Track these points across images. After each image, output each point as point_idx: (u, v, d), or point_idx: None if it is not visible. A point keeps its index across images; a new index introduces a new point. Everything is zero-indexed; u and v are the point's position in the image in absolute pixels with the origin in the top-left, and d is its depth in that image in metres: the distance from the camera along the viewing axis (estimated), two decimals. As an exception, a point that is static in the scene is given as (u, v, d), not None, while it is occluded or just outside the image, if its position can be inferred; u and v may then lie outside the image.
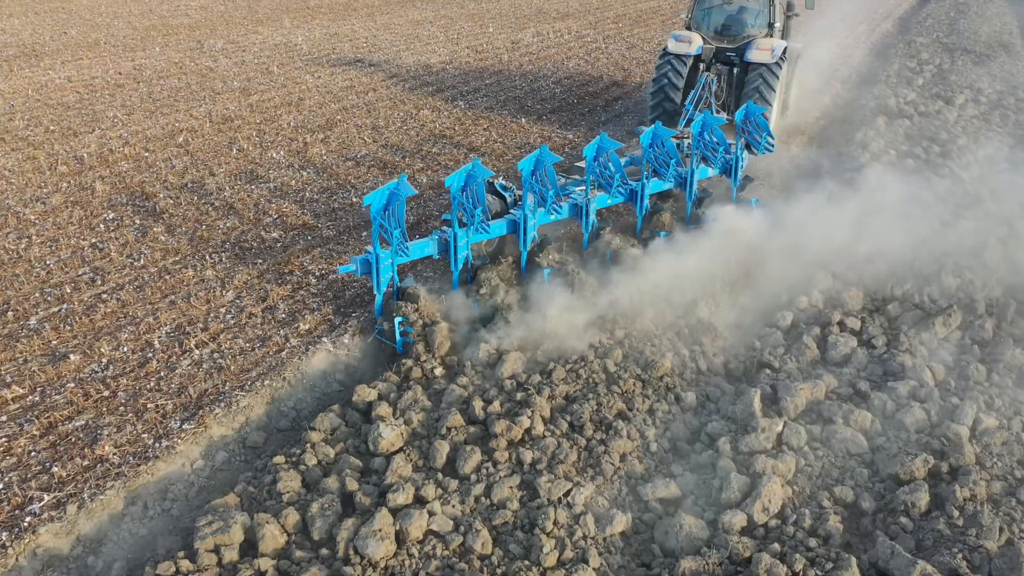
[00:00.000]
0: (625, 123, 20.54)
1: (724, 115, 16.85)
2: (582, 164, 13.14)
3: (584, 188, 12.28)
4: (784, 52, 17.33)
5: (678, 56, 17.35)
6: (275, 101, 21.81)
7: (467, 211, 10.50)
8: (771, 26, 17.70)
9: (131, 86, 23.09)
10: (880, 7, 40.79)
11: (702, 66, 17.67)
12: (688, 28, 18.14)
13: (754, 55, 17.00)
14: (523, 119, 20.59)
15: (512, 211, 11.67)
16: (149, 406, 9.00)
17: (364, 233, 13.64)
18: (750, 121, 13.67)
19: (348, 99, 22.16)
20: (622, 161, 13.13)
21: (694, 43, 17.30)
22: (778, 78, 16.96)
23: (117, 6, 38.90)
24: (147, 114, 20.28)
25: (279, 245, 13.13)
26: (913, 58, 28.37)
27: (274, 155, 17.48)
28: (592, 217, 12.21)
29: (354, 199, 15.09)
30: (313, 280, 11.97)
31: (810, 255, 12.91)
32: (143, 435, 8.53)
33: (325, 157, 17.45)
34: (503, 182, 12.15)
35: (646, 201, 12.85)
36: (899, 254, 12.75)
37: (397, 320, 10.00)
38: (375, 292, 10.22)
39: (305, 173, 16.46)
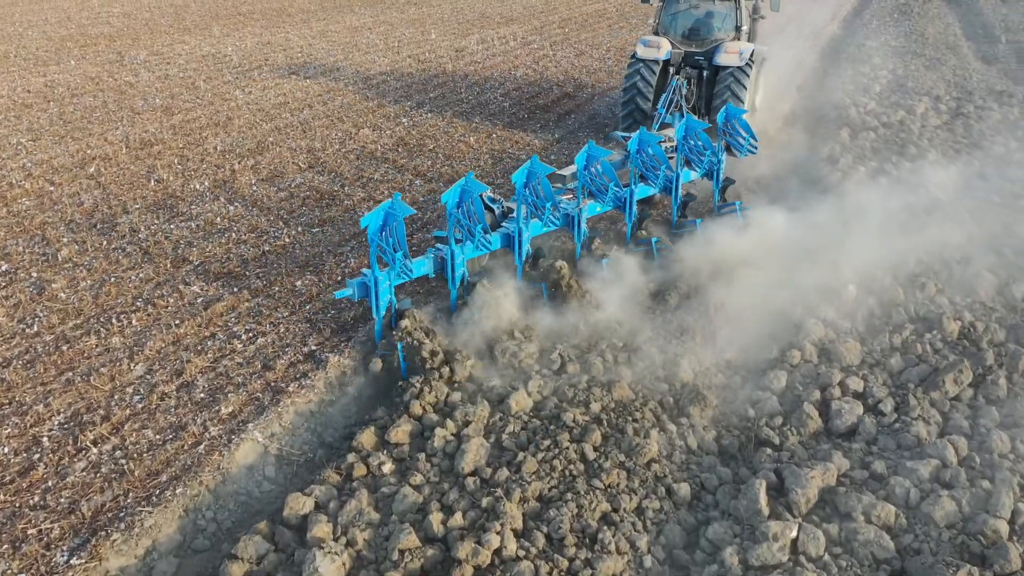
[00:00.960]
0: (580, 139, 19.13)
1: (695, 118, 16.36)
2: (563, 172, 12.71)
3: (572, 197, 12.01)
4: (752, 55, 17.14)
5: (648, 61, 17.19)
6: (201, 121, 19.86)
7: (463, 227, 10.18)
8: (738, 29, 17.56)
9: (40, 106, 20.88)
10: (823, 10, 40.16)
11: (672, 70, 17.50)
12: (656, 33, 17.98)
13: (723, 58, 16.90)
14: (471, 138, 19.02)
15: (504, 224, 11.28)
16: (30, 532, 7.25)
17: (299, 282, 11.96)
18: (731, 123, 13.66)
19: (281, 117, 20.32)
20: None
21: (663, 48, 17.18)
22: (747, 81, 16.81)
23: (32, 14, 36.18)
24: (56, 139, 18.18)
25: (200, 300, 11.36)
26: (865, 63, 27.53)
27: (197, 186, 15.63)
28: (584, 227, 11.80)
29: (286, 239, 13.37)
30: (239, 345, 10.27)
31: (795, 293, 11.72)
32: (19, 576, 6.80)
33: (255, 187, 15.65)
34: (491, 195, 11.48)
35: (634, 208, 12.50)
36: (889, 292, 11.59)
37: (399, 345, 9.57)
38: (374, 315, 9.79)
39: (232, 207, 14.66)
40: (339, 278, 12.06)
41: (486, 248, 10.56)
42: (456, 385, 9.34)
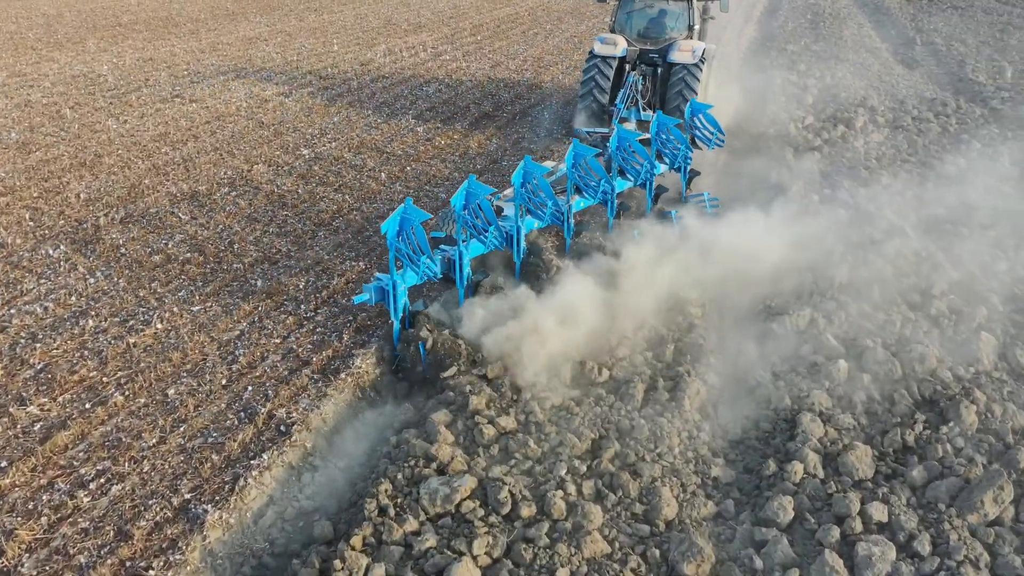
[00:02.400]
0: (506, 167, 16.93)
1: (650, 113, 17.21)
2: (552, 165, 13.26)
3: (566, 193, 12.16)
4: (703, 53, 17.79)
5: (604, 58, 17.75)
6: (63, 161, 16.78)
7: (475, 228, 10.41)
8: (691, 28, 18.29)
9: None
10: (735, 12, 38.99)
11: (627, 67, 18.17)
12: (612, 31, 18.64)
13: (676, 56, 17.54)
14: (382, 174, 16.55)
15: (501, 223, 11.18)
16: None
17: (171, 390, 9.37)
18: (697, 118, 14.20)
19: (160, 153, 17.39)
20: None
21: (619, 45, 17.78)
22: (699, 78, 17.43)
23: None
24: None
25: (37, 429, 8.66)
26: (791, 69, 26.18)
27: (51, 250, 12.74)
28: (572, 222, 12.07)
29: (158, 326, 10.69)
30: (84, 499, 7.66)
31: (777, 372, 9.83)
32: None
33: (123, 248, 12.87)
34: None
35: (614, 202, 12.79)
36: (885, 365, 9.78)
37: (421, 344, 9.73)
38: (392, 319, 9.90)
39: (93, 279, 11.88)
40: (226, 382, 9.53)
41: (429, 274, 10.17)
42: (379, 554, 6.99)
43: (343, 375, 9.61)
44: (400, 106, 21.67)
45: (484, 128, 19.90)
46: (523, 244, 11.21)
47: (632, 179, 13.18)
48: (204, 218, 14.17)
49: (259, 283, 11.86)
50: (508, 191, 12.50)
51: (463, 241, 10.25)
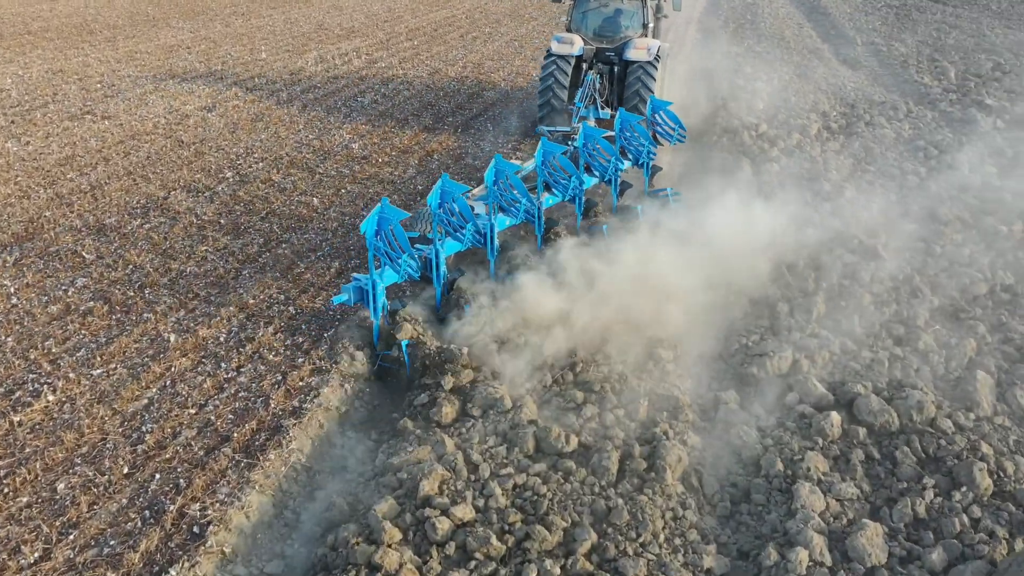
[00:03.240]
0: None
1: (609, 111, 17.27)
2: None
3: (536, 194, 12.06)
4: (659, 50, 17.76)
5: (561, 57, 17.64)
6: (-48, 192, 14.86)
7: (452, 226, 10.39)
8: (645, 26, 18.31)
9: None
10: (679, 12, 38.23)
11: (584, 65, 18.24)
12: (568, 30, 18.57)
13: (632, 54, 17.57)
14: (315, 199, 15.04)
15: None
16: None
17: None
18: (659, 115, 14.35)
19: (65, 180, 15.55)
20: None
21: (575, 44, 17.71)
22: (656, 75, 17.42)
23: None
24: None
25: None
26: (738, 72, 25.36)
27: (-72, 305, 10.96)
28: (541, 220, 12.02)
29: (49, 396, 9.06)
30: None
31: (762, 426, 8.73)
32: None
33: (14, 299, 11.13)
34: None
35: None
36: (880, 415, 8.75)
37: (404, 343, 9.59)
38: (372, 319, 9.79)
39: (-24, 339, 10.16)
40: (128, 470, 7.98)
41: (411, 273, 10.06)
42: None
43: (271, 453, 8.17)
44: (334, 120, 20.11)
45: (425, 143, 18.49)
46: (496, 243, 11.14)
47: (598, 176, 13.29)
48: (112, 257, 12.49)
49: (172, 337, 10.29)
50: (477, 190, 12.54)
51: (439, 240, 10.20)
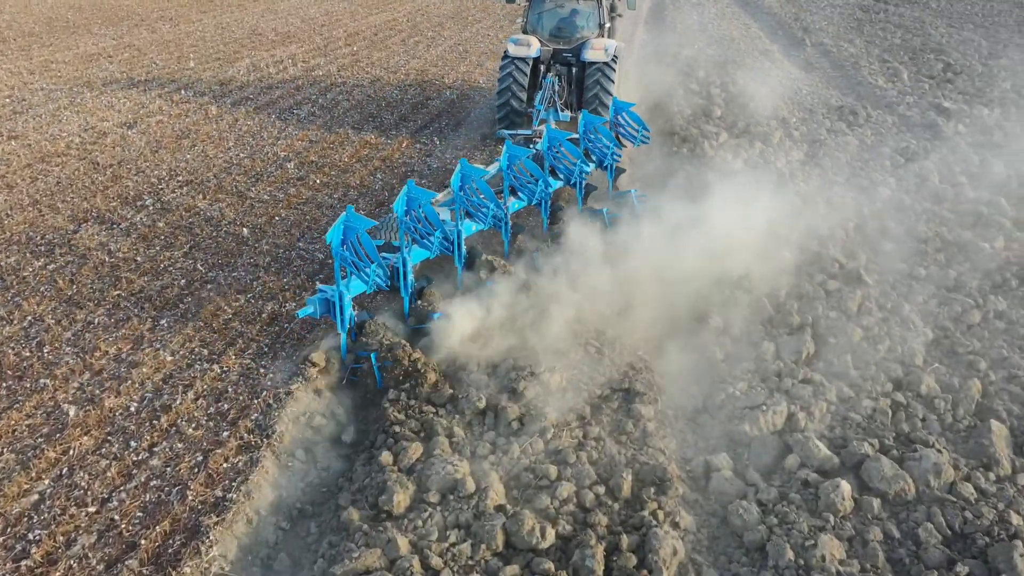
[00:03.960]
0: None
1: (568, 113, 17.12)
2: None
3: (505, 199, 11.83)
4: (616, 50, 17.42)
5: (519, 59, 17.21)
6: None
7: (419, 233, 9.96)
8: (601, 27, 17.93)
9: None
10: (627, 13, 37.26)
11: (543, 67, 17.86)
12: (524, 32, 18.18)
13: (590, 54, 17.17)
14: (244, 229, 13.47)
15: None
16: None
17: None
18: (621, 116, 14.07)
19: (-41, 214, 13.72)
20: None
21: (533, 46, 17.28)
22: (614, 76, 17.15)
23: None
24: None
25: None
26: (690, 76, 24.37)
27: None
28: (508, 225, 11.75)
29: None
30: None
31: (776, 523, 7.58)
32: None
33: None
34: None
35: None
36: (893, 483, 7.67)
37: (373, 356, 9.07)
38: (339, 331, 9.20)
39: None
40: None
41: (380, 283, 9.55)
42: None
43: (186, 565, 6.70)
44: (267, 135, 18.48)
45: (367, 160, 17.01)
46: (464, 250, 10.74)
47: (563, 179, 12.95)
48: (8, 307, 10.79)
49: (72, 410, 8.71)
50: (441, 195, 12.06)
51: (405, 247, 9.85)
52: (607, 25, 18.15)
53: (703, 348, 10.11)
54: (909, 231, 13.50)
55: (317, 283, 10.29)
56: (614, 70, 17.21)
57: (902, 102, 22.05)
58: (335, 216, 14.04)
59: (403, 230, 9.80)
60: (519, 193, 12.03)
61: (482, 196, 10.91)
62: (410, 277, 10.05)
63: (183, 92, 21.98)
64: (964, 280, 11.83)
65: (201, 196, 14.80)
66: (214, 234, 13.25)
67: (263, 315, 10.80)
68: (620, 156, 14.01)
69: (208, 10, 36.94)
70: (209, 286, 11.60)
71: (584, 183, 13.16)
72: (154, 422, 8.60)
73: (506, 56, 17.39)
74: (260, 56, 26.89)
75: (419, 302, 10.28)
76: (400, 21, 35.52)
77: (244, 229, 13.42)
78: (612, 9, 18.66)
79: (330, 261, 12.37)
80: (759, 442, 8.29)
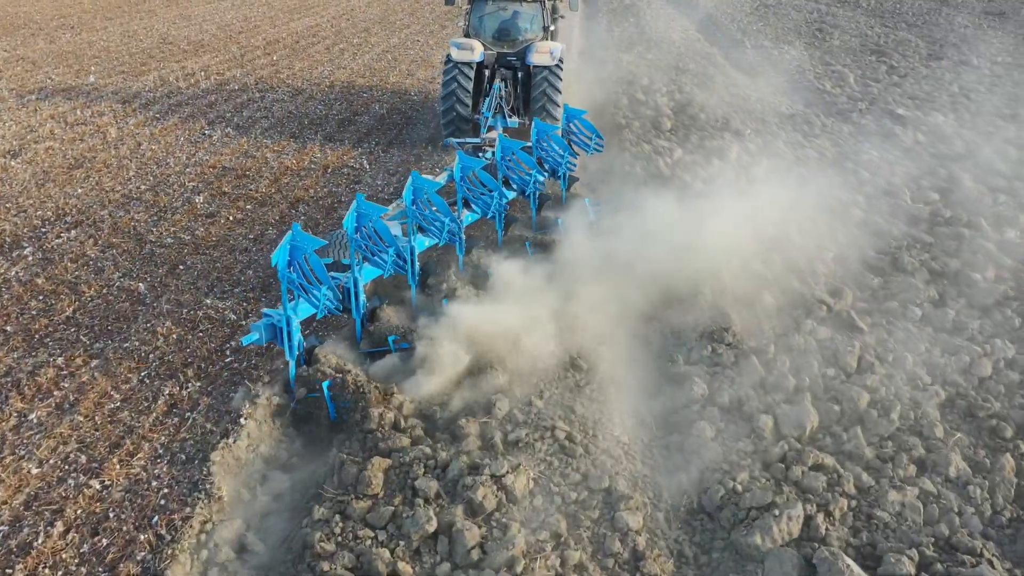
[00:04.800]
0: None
1: (516, 119, 16.60)
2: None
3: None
4: (561, 53, 16.79)
5: (463, 63, 16.38)
6: None
7: (371, 251, 9.30)
8: (545, 29, 17.29)
9: None
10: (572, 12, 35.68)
11: (487, 72, 17.19)
12: (467, 35, 17.37)
13: (535, 58, 16.51)
14: (141, 284, 11.33)
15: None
16: None
17: None
18: (574, 123, 13.58)
19: None
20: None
21: (476, 50, 16.56)
22: (561, 79, 16.53)
23: None
24: None
25: None
26: (634, 84, 22.87)
27: None
28: (463, 240, 10.97)
29: None
30: None
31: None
32: None
33: None
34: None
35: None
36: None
37: (325, 385, 8.27)
38: (287, 359, 8.37)
39: None
40: None
41: (331, 307, 8.73)
42: None
43: None
44: (173, 162, 16.23)
45: (288, 189, 14.97)
46: (417, 266, 10.15)
47: (516, 190, 12.43)
48: None
49: None
50: (391, 208, 11.42)
51: (356, 266, 9.18)
52: (552, 28, 17.38)
53: (688, 422, 8.51)
54: (893, 261, 12.20)
55: (262, 309, 9.12)
56: (560, 74, 16.52)
57: (854, 109, 21.00)
58: (249, 262, 12.07)
59: (353, 248, 9.13)
60: (472, 206, 11.30)
61: (436, 210, 10.19)
62: (362, 298, 9.31)
63: (80, 112, 19.47)
64: (964, 321, 10.53)
65: (92, 241, 12.57)
66: (104, 291, 11.10)
67: (159, 401, 8.78)
68: (575, 165, 13.44)
69: (114, 16, 34.00)
70: (95, 363, 9.49)
71: (539, 193, 12.63)
72: (20, 560, 6.55)
73: (449, 60, 16.45)
74: (169, 68, 24.38)
75: (372, 325, 9.69)
76: (324, 27, 33.23)
77: (140, 284, 11.28)
78: (553, 11, 17.72)
79: (245, 322, 10.41)
80: (774, 559, 6.70)
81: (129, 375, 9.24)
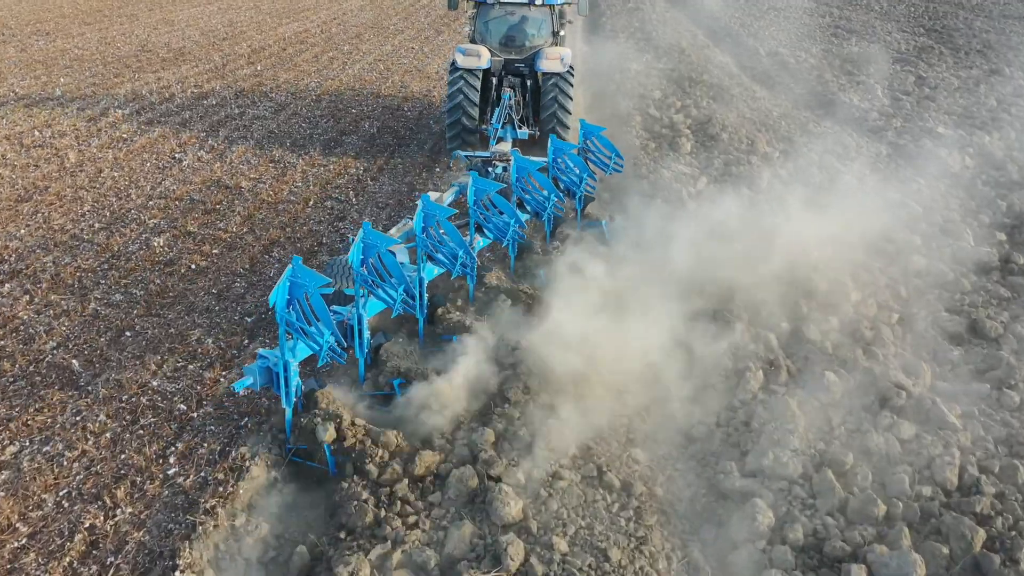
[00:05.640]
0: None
1: (526, 129, 15.74)
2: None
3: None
4: (571, 60, 15.86)
5: (469, 71, 15.41)
6: None
7: (378, 286, 8.44)
8: (555, 35, 16.41)
9: None
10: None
11: (494, 80, 16.18)
12: (473, 41, 16.33)
13: (545, 65, 15.52)
14: (76, 362, 9.31)
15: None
16: None
17: None
18: (591, 141, 12.71)
19: None
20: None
21: (483, 56, 15.55)
22: (572, 86, 15.71)
23: None
24: None
25: None
26: (645, 98, 20.89)
27: None
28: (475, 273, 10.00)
29: None
30: None
31: None
32: None
33: None
34: None
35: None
36: None
37: (327, 447, 7.49)
38: (283, 406, 7.56)
39: None
40: None
41: (335, 356, 7.75)
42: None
43: None
44: (135, 194, 14.20)
45: (263, 227, 12.95)
46: (426, 298, 9.45)
47: (531, 213, 11.63)
48: None
49: None
50: (394, 230, 10.81)
51: (360, 301, 8.38)
52: (561, 33, 16.50)
53: (739, 523, 6.57)
54: (971, 325, 10.22)
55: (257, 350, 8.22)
56: (571, 81, 15.63)
57: (888, 126, 19.03)
58: (209, 327, 10.05)
59: (359, 283, 8.32)
60: (485, 231, 10.48)
61: (450, 241, 9.29)
62: (366, 335, 8.56)
63: (38, 132, 17.41)
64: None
65: (27, 299, 10.54)
66: (29, 369, 9.07)
67: (76, 538, 6.76)
68: (594, 187, 12.55)
69: (93, 22, 31.90)
70: (27, 455, 7.49)
71: (554, 217, 11.85)
72: None
73: (455, 68, 15.50)
74: (144, 80, 22.30)
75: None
76: (313, 32, 31.14)
77: (75, 361, 9.24)
78: (561, 16, 16.74)
79: (196, 414, 8.38)
80: None
81: (44, 496, 7.22)
